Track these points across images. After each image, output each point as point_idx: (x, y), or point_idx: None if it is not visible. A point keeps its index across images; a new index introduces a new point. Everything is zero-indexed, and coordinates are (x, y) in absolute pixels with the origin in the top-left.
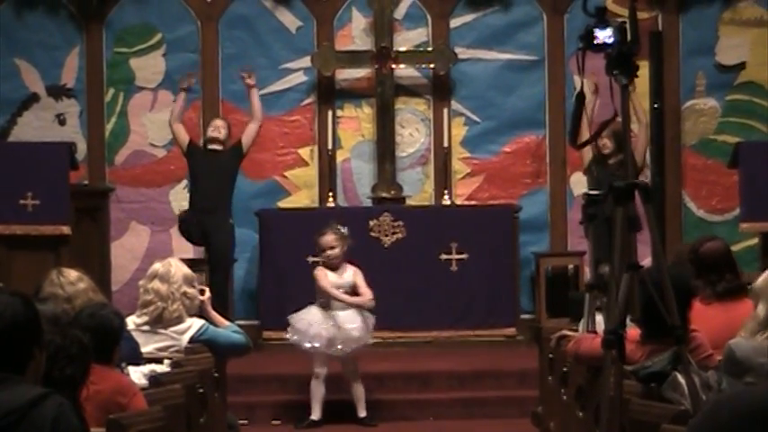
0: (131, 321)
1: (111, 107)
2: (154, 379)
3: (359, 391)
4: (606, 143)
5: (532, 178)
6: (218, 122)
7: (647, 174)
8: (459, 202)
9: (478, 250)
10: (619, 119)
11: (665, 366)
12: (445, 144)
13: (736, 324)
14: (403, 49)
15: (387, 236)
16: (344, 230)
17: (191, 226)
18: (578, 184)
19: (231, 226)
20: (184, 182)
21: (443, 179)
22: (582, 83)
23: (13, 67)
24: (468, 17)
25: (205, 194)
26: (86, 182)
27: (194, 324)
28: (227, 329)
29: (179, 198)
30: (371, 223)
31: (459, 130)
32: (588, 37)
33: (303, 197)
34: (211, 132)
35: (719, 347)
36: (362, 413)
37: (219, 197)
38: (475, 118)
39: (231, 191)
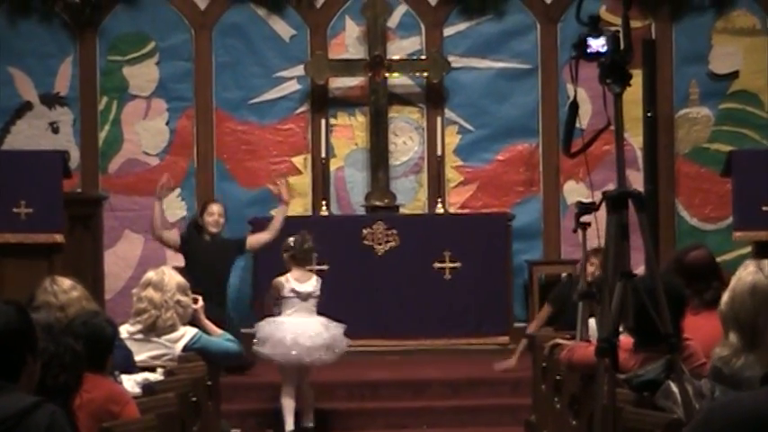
0: (125, 330)
1: (105, 115)
2: (147, 387)
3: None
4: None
5: (525, 186)
6: (215, 208)
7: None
8: (452, 210)
9: (472, 258)
10: (612, 127)
11: (658, 375)
12: (438, 152)
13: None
14: (396, 57)
15: (380, 244)
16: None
17: None
18: (571, 192)
19: (228, 319)
20: (177, 190)
21: (437, 187)
22: (575, 91)
23: (7, 75)
24: (462, 26)
25: (198, 282)
26: (80, 190)
27: (187, 332)
28: (221, 338)
29: (172, 207)
30: (365, 232)
31: (452, 139)
32: (581, 46)
33: (296, 205)
34: (208, 218)
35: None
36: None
37: (215, 285)
38: (468, 126)
39: (227, 281)
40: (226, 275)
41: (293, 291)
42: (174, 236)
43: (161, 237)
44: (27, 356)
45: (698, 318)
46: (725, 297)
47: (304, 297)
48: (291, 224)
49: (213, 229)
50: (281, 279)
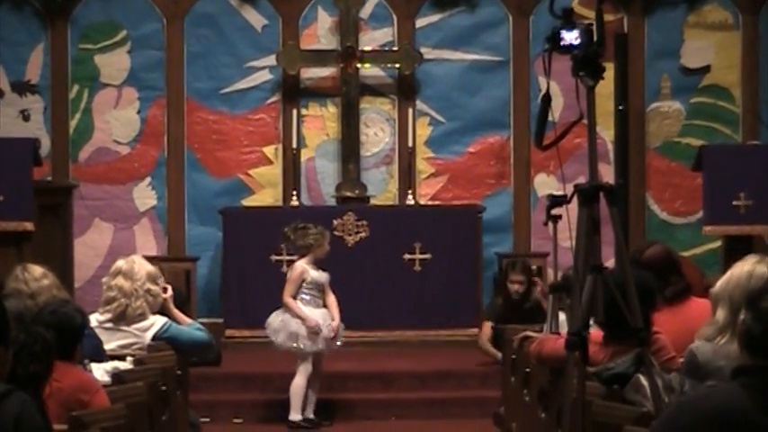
0: (94, 318)
1: (76, 104)
2: (116, 376)
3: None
4: (518, 288)
5: (496, 179)
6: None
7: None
8: (422, 202)
9: (442, 250)
10: (584, 120)
11: (627, 368)
12: (410, 144)
13: (688, 326)
14: (368, 48)
15: (350, 235)
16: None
17: None
18: (542, 185)
19: None
20: (148, 179)
21: (407, 179)
22: (548, 84)
23: None
24: (434, 17)
25: None
26: (50, 178)
27: (157, 321)
28: (190, 327)
29: (143, 195)
30: (335, 222)
31: (423, 131)
32: (555, 38)
33: (267, 196)
34: None
35: (676, 351)
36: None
37: None
38: (439, 118)
39: None
40: None
41: (313, 280)
42: None
43: None
44: None
45: (660, 315)
46: (720, 281)
47: (320, 287)
48: (264, 214)
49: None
50: (304, 265)
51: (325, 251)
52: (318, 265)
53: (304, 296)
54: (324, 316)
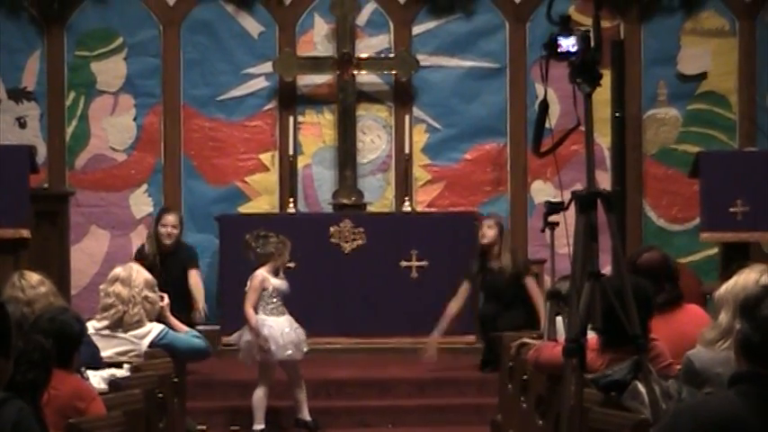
0: (91, 325)
1: (72, 111)
2: (113, 383)
3: (303, 395)
4: (486, 232)
5: (493, 186)
6: (169, 219)
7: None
8: (419, 209)
9: (439, 257)
10: (581, 127)
11: (625, 375)
12: (406, 151)
13: (681, 333)
14: (365, 55)
15: (347, 242)
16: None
17: None
18: (539, 191)
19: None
20: (144, 186)
21: (404, 186)
22: (545, 91)
23: None
24: (431, 24)
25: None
26: (46, 185)
27: (154, 328)
28: (187, 334)
29: (139, 202)
30: (332, 230)
31: (420, 137)
32: (552, 45)
33: (263, 203)
34: (161, 229)
35: (671, 358)
36: (307, 417)
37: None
38: (436, 125)
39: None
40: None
41: (275, 288)
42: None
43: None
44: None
45: (652, 321)
46: (724, 285)
47: (282, 295)
48: (259, 221)
49: (166, 241)
50: (264, 274)
51: (284, 260)
52: (278, 273)
53: (268, 305)
54: (289, 323)
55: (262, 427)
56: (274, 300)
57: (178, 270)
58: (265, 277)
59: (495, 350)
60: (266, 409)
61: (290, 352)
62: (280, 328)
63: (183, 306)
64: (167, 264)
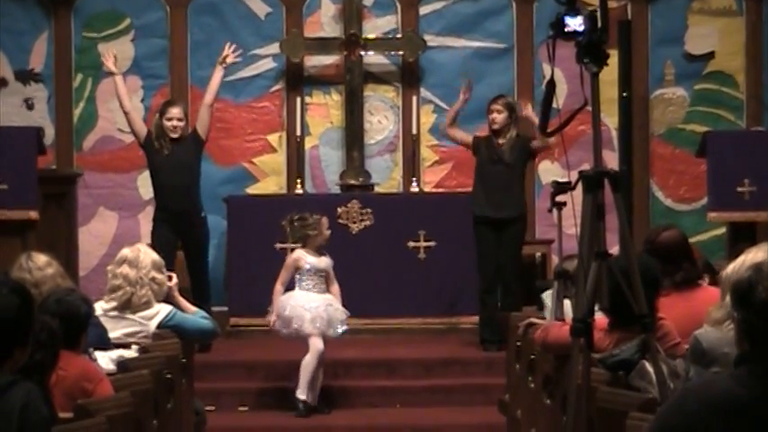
0: (99, 307)
1: (80, 92)
2: (121, 365)
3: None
4: (496, 117)
5: None
6: (174, 111)
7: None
8: (427, 189)
9: (446, 238)
10: (588, 107)
11: (632, 354)
12: (414, 131)
13: (696, 312)
14: (372, 36)
15: (354, 223)
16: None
17: (163, 234)
18: (546, 172)
19: (204, 219)
20: None
21: (411, 166)
22: (552, 71)
23: None
24: (438, 5)
25: (171, 193)
26: (54, 167)
27: (162, 309)
28: (195, 315)
29: (147, 184)
30: (339, 210)
31: (427, 118)
32: (559, 25)
33: (271, 184)
34: (167, 123)
35: (682, 337)
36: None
37: (187, 193)
38: (443, 105)
39: (198, 183)
40: (197, 177)
41: (312, 266)
42: (140, 126)
43: (130, 113)
44: (14, 349)
45: (667, 299)
46: (732, 264)
47: (321, 273)
48: (268, 202)
49: (171, 135)
50: (300, 253)
51: (325, 237)
52: (320, 251)
53: (303, 282)
54: (324, 301)
55: (303, 397)
56: (313, 278)
57: (189, 155)
58: (299, 257)
59: (494, 327)
60: (312, 381)
61: (310, 328)
62: (306, 304)
63: (195, 195)
64: (175, 150)
